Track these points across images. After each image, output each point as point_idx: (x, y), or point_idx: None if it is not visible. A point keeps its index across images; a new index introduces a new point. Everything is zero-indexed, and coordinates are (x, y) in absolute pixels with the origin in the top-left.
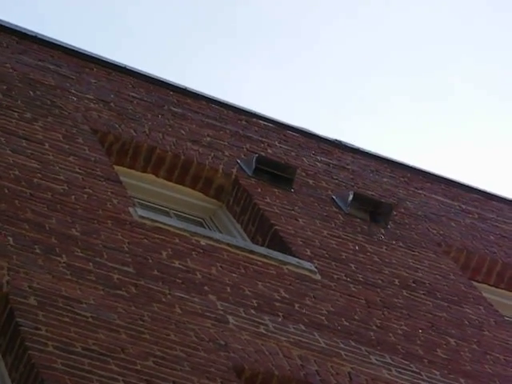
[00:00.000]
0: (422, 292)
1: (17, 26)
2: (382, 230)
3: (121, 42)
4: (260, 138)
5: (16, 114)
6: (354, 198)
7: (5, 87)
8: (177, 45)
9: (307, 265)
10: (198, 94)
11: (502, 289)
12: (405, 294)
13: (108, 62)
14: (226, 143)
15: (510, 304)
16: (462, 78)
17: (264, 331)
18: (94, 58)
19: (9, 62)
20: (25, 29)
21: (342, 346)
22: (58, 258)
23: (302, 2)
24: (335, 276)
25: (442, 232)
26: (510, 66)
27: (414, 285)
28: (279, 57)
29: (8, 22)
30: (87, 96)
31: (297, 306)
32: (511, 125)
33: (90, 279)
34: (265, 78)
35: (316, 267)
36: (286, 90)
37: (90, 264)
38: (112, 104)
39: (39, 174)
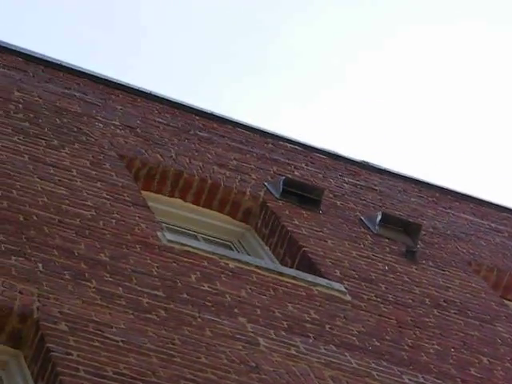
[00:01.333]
0: (453, 311)
1: (42, 54)
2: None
3: (146, 69)
4: (287, 161)
5: (43, 141)
6: (382, 218)
7: (32, 115)
8: (201, 70)
9: (337, 286)
10: (224, 118)
11: None
12: (436, 313)
13: (133, 88)
14: (253, 166)
15: None
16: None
17: (295, 352)
18: (119, 84)
19: (35, 91)
20: (50, 57)
21: (374, 366)
22: (88, 284)
23: (328, 40)
24: (365, 296)
25: (471, 251)
26: None
27: (445, 304)
28: (307, 89)
29: (33, 51)
30: (113, 122)
31: (327, 326)
32: None
33: (120, 304)
34: (294, 105)
35: (346, 288)
36: (314, 115)
37: (120, 289)
38: (138, 130)
39: (67, 201)
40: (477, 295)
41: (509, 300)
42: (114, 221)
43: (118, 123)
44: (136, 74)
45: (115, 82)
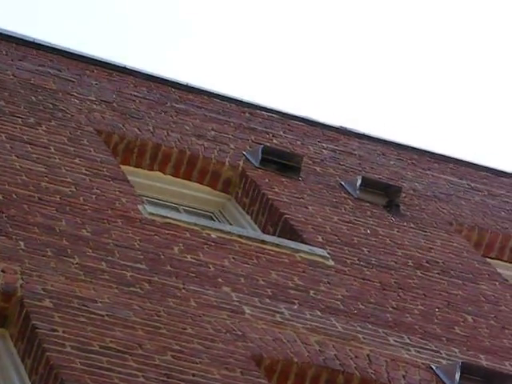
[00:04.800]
0: (436, 271)
1: (14, 32)
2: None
3: (119, 43)
4: (264, 129)
5: (20, 119)
6: (362, 182)
7: (7, 94)
8: (175, 43)
9: (319, 251)
10: (200, 89)
11: None
12: (419, 274)
13: (108, 63)
14: (231, 136)
15: None
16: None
17: (280, 319)
18: (93, 59)
19: (9, 69)
20: (23, 35)
21: (360, 329)
22: (71, 260)
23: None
24: (348, 261)
25: (452, 211)
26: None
27: (427, 265)
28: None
29: (5, 29)
30: (89, 98)
31: (312, 292)
32: None
33: (104, 278)
34: (266, 70)
35: (328, 253)
36: (288, 81)
37: (103, 263)
38: (114, 104)
39: (46, 178)
40: (459, 254)
41: (491, 258)
42: (94, 196)
43: (93, 98)
44: (110, 48)
45: (89, 58)
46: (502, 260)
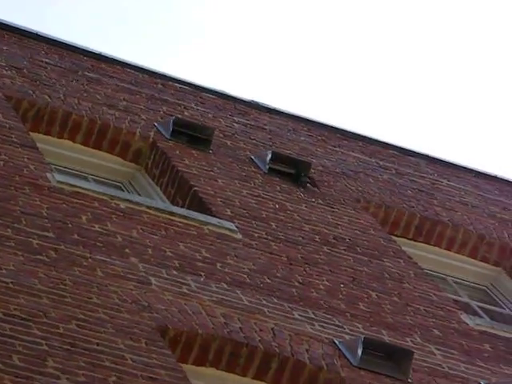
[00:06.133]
0: (342, 247)
1: None
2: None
3: (32, 9)
4: (176, 101)
5: None
6: (272, 157)
7: None
8: (92, 11)
9: (228, 224)
10: (113, 59)
11: (420, 242)
12: (325, 249)
13: (19, 29)
14: (143, 107)
15: (428, 257)
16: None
17: (187, 291)
18: (4, 24)
19: None
20: None
21: (265, 302)
22: None
23: None
24: (256, 234)
25: (360, 188)
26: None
27: (334, 241)
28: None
29: None
30: None
31: (219, 265)
32: (428, 80)
33: (9, 245)
34: (177, 42)
35: (237, 226)
36: (202, 54)
37: (9, 230)
38: (25, 70)
39: None
40: (365, 232)
41: (396, 236)
42: (1, 162)
43: (4, 64)
44: (22, 14)
45: (0, 23)
46: (406, 238)
